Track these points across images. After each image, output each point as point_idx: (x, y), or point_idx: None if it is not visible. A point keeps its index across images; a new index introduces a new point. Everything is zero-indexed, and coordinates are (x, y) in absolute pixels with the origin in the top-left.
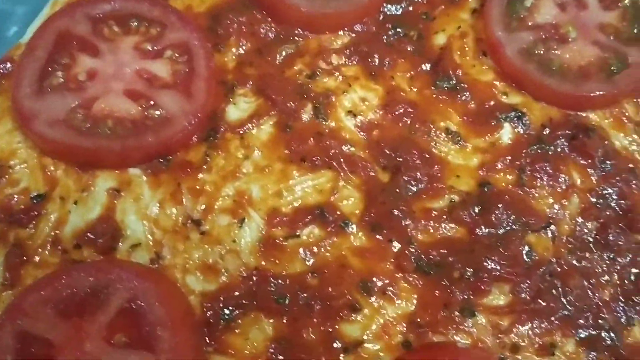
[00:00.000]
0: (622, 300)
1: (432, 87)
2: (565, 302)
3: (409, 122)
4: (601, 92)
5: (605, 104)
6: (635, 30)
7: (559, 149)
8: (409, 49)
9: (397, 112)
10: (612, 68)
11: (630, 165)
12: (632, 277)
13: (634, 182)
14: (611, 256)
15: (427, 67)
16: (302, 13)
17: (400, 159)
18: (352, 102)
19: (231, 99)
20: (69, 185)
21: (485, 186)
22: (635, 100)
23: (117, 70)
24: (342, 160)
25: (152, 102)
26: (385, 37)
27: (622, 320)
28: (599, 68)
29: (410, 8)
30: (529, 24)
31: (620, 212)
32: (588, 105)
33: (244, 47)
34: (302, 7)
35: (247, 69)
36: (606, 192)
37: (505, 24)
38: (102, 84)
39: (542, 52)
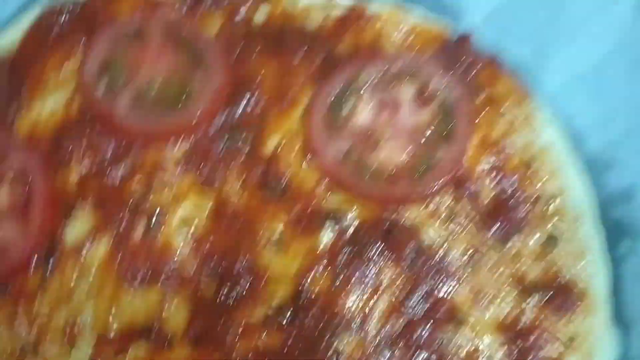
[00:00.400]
0: None
1: (261, 194)
2: None
3: (236, 231)
4: (410, 193)
5: (415, 202)
6: (445, 128)
7: (372, 249)
8: (241, 155)
9: (226, 222)
10: (420, 169)
11: (438, 261)
12: None
13: (442, 277)
14: (419, 352)
15: (257, 173)
16: (136, 130)
17: (225, 270)
18: (183, 216)
19: (70, 219)
20: None
21: (302, 292)
22: (448, 194)
23: None
24: (171, 275)
25: None
26: (220, 145)
27: None
28: (409, 168)
29: (245, 113)
30: (348, 129)
31: (427, 309)
32: (401, 204)
33: (84, 166)
34: (135, 125)
35: (88, 186)
36: (415, 290)
37: (326, 129)
38: None
39: (358, 156)
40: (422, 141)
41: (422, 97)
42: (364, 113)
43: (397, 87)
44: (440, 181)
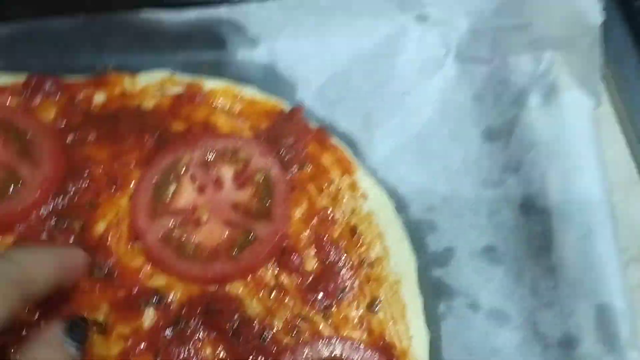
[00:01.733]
0: None
1: (88, 278)
2: None
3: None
4: (228, 271)
5: (234, 279)
6: (264, 205)
7: (194, 327)
8: (70, 240)
9: (48, 310)
10: (240, 245)
11: (260, 332)
12: None
13: (264, 348)
14: None
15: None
16: None
17: None
18: None
19: None
20: None
21: None
22: (273, 265)
23: None
24: None
25: None
26: (48, 232)
27: None
28: (228, 246)
29: (76, 199)
30: (170, 209)
31: None
32: (222, 282)
33: None
34: None
35: None
36: None
37: (149, 210)
38: None
39: (179, 237)
40: (240, 219)
41: (242, 176)
42: (186, 193)
43: (219, 166)
44: (259, 257)
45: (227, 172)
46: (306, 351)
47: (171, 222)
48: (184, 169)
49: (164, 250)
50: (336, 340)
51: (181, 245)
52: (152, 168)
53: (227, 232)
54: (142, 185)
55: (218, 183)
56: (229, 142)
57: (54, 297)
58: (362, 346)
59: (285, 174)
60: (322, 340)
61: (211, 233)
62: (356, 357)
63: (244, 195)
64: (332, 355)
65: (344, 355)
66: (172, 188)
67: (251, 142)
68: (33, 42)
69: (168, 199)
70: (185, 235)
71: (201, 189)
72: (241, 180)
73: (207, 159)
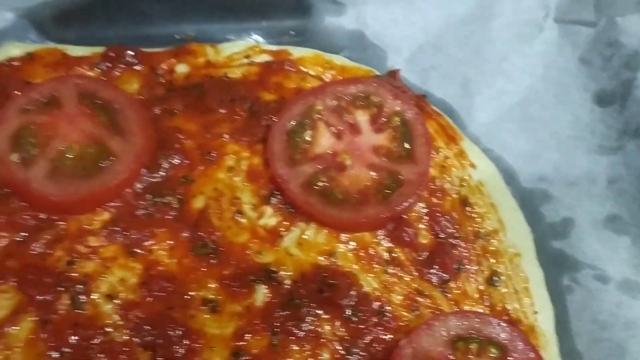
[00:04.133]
0: None
1: (191, 255)
2: None
3: (167, 297)
4: (379, 215)
5: (384, 224)
6: (405, 148)
7: (309, 305)
8: (168, 217)
9: (155, 289)
10: (387, 189)
11: (378, 308)
12: None
13: (383, 325)
14: None
15: (186, 234)
16: (55, 200)
17: (158, 337)
18: (110, 284)
19: None
20: None
21: (238, 355)
22: (385, 239)
23: None
24: (99, 348)
25: None
26: (145, 208)
27: None
28: (375, 190)
29: (170, 173)
30: (310, 156)
31: (371, 358)
32: (369, 228)
33: (5, 239)
34: (53, 196)
35: (9, 261)
36: (357, 340)
37: (287, 159)
38: None
39: (322, 183)
40: (383, 162)
41: (378, 120)
42: (323, 140)
43: (353, 112)
44: (409, 198)
45: (362, 117)
46: (438, 326)
47: (311, 169)
48: (316, 115)
49: (309, 197)
50: (466, 314)
51: (326, 191)
52: (282, 118)
53: (372, 177)
54: (275, 133)
55: (355, 128)
56: (360, 86)
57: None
58: (493, 319)
59: (421, 116)
60: (455, 315)
61: (357, 177)
62: (490, 330)
63: (383, 139)
64: (468, 331)
65: (479, 330)
66: (306, 136)
67: (383, 86)
68: (108, 13)
69: (306, 146)
70: (329, 181)
71: (338, 135)
72: (378, 124)
73: (339, 104)
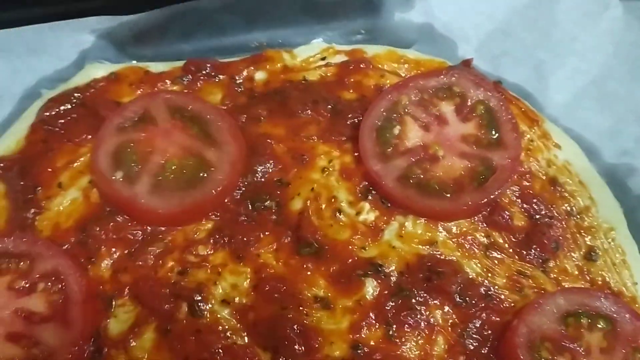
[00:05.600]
0: None
1: (297, 256)
2: None
3: (279, 297)
4: (476, 202)
5: (480, 210)
6: (493, 135)
7: (418, 294)
8: (270, 220)
9: (267, 291)
10: (482, 175)
11: (484, 291)
12: None
13: (491, 307)
14: None
15: (289, 236)
16: (161, 214)
17: (277, 338)
18: (224, 290)
19: (111, 312)
20: None
21: (358, 348)
22: (482, 225)
23: None
24: (222, 352)
25: (33, 340)
26: (245, 214)
27: None
28: (470, 178)
29: (265, 177)
30: (401, 150)
31: (483, 341)
32: (467, 216)
33: (115, 255)
34: (159, 209)
35: (122, 276)
36: (467, 324)
37: (379, 155)
38: None
39: (417, 175)
40: (474, 150)
41: (464, 110)
42: (411, 133)
43: (437, 104)
44: (504, 184)
45: (447, 108)
46: (548, 304)
47: (405, 162)
48: (403, 110)
49: (405, 190)
50: (573, 290)
51: (422, 182)
52: (370, 115)
53: (464, 166)
54: (364, 131)
55: (441, 119)
56: (442, 78)
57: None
58: (598, 293)
59: (505, 102)
60: (562, 292)
61: (450, 167)
62: (597, 304)
63: (471, 128)
64: (576, 307)
65: (587, 305)
66: (395, 131)
67: (463, 76)
68: (183, 27)
69: (395, 141)
70: (424, 172)
71: (426, 127)
72: (463, 113)
73: (423, 97)
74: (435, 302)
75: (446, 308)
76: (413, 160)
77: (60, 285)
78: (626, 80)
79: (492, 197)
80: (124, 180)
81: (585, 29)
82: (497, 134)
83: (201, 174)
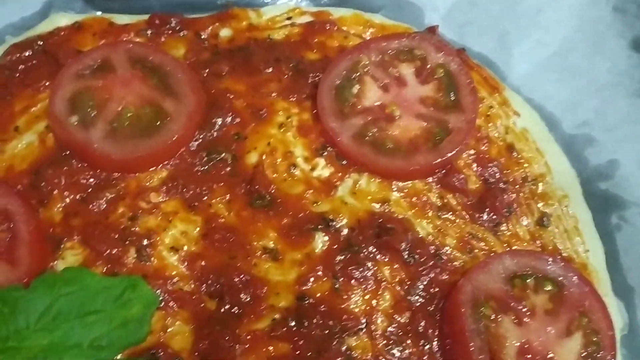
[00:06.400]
0: None
1: (249, 208)
2: None
3: (228, 247)
4: (430, 162)
5: (434, 171)
6: (451, 98)
7: (367, 250)
8: (224, 172)
9: (217, 240)
10: (437, 137)
11: (434, 251)
12: None
13: (439, 267)
14: (425, 343)
15: (242, 188)
16: (115, 160)
17: (224, 286)
18: (174, 237)
19: (59, 254)
20: None
21: (303, 299)
22: (436, 186)
23: None
24: (169, 297)
25: None
26: (201, 165)
27: None
28: (425, 139)
29: (223, 131)
30: (358, 109)
31: (429, 298)
32: (420, 176)
33: (67, 199)
34: (113, 155)
35: (73, 220)
36: (415, 282)
37: (337, 113)
38: None
39: (373, 134)
40: (431, 112)
41: (423, 73)
42: (370, 93)
43: (397, 66)
44: (459, 146)
45: (407, 70)
46: (495, 264)
47: (361, 121)
48: (362, 70)
49: (361, 148)
50: (521, 252)
51: (377, 141)
52: (330, 73)
53: (421, 127)
54: (324, 89)
55: (401, 81)
56: (403, 41)
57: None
58: (547, 256)
59: (464, 67)
60: (509, 253)
61: (406, 127)
62: (545, 267)
63: (429, 90)
64: (523, 268)
65: (534, 267)
66: (354, 90)
67: (425, 39)
68: None
69: (353, 100)
70: (380, 131)
71: (385, 88)
72: (423, 76)
73: (384, 59)
74: (384, 258)
75: (395, 265)
76: (370, 119)
77: (8, 224)
78: (588, 54)
79: (445, 158)
80: (79, 124)
81: (550, 3)
82: (454, 97)
83: (157, 123)
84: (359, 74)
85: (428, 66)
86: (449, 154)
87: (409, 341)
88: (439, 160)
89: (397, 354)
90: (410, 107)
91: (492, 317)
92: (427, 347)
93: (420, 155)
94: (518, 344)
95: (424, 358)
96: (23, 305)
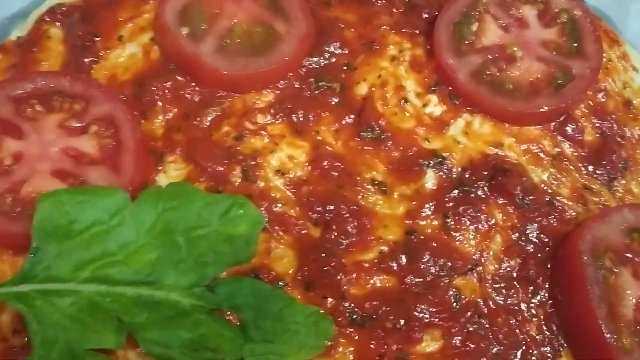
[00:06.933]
0: (547, 333)
1: (357, 138)
2: (494, 342)
3: (336, 175)
4: (551, 107)
5: (552, 118)
6: (574, 44)
7: (480, 191)
8: (332, 101)
9: (324, 167)
10: (559, 81)
11: (548, 199)
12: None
13: (553, 215)
14: (534, 290)
15: (350, 118)
16: (224, 75)
17: (330, 214)
18: (280, 160)
19: (161, 168)
20: (4, 270)
21: (412, 234)
22: (551, 134)
23: (43, 151)
24: (273, 220)
25: (80, 180)
26: (309, 91)
27: (549, 353)
28: (546, 83)
29: (332, 60)
30: (477, 47)
31: (541, 246)
32: (537, 121)
33: (170, 113)
34: (223, 70)
35: (175, 134)
36: (527, 228)
37: (454, 49)
38: (28, 166)
39: (492, 73)
40: (553, 56)
41: (546, 16)
42: (490, 32)
43: (519, 7)
44: (582, 93)
45: (529, 12)
46: (614, 216)
47: (480, 60)
48: (483, 8)
49: (478, 87)
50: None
51: (495, 81)
52: (449, 9)
53: (542, 70)
54: (441, 25)
55: (522, 22)
56: None
57: None
58: None
59: (589, 13)
60: (628, 207)
61: (527, 69)
62: None
63: (552, 34)
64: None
65: None
66: (473, 27)
67: None
68: None
69: (472, 38)
70: (499, 71)
71: (506, 28)
72: (546, 19)
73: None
74: (497, 201)
75: (508, 208)
76: (489, 57)
77: (113, 131)
78: None
79: (567, 103)
80: (189, 36)
81: None
82: (578, 44)
83: (268, 43)
84: (479, 11)
85: (551, 10)
86: (571, 100)
87: (518, 286)
88: (561, 105)
89: (505, 299)
90: (532, 49)
91: (612, 268)
92: (537, 295)
93: (541, 98)
94: (635, 299)
95: (531, 306)
96: (130, 219)
